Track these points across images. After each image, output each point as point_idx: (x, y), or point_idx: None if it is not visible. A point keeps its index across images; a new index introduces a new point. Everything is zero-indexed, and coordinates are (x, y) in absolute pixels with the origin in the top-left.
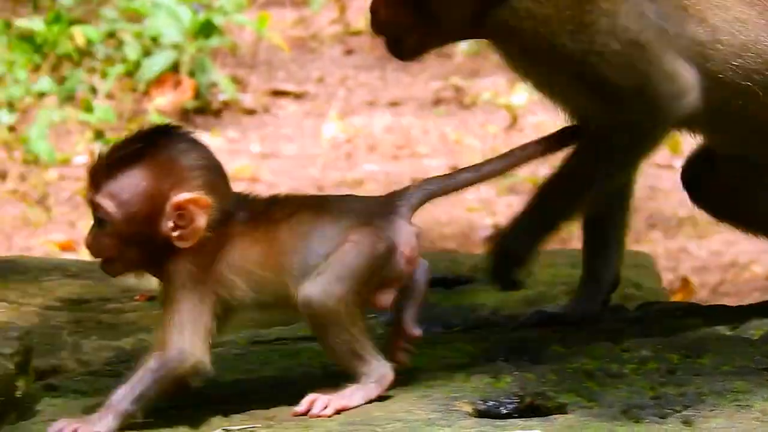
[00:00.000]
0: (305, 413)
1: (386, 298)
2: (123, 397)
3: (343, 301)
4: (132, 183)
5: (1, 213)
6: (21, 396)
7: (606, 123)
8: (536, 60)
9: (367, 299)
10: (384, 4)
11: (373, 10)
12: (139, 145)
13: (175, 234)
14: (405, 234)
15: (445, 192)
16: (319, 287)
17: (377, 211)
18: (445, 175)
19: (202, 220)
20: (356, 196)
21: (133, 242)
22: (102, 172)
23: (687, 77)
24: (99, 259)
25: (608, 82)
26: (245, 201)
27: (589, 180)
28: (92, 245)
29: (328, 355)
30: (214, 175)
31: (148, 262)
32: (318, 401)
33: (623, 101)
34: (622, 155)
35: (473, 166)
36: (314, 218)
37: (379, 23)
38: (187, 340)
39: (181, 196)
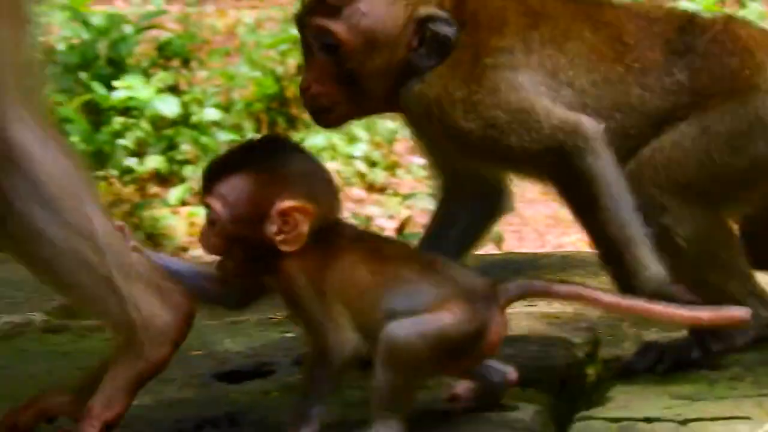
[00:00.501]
0: None
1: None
2: (308, 403)
3: (423, 354)
4: (240, 187)
5: (534, 212)
6: (591, 383)
7: (550, 174)
8: (440, 139)
9: (439, 370)
10: (315, 81)
11: (304, 87)
12: (251, 153)
13: (278, 238)
14: (497, 323)
15: (546, 296)
16: (410, 330)
17: (480, 291)
18: (552, 281)
19: (304, 227)
20: (466, 269)
21: (239, 242)
22: (214, 175)
23: (581, 118)
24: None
25: (515, 149)
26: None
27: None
28: (203, 243)
29: (373, 390)
30: (321, 185)
31: (255, 265)
32: None
33: (541, 156)
34: (587, 174)
35: (583, 285)
36: (422, 272)
37: (310, 97)
38: (335, 329)
39: (285, 203)
